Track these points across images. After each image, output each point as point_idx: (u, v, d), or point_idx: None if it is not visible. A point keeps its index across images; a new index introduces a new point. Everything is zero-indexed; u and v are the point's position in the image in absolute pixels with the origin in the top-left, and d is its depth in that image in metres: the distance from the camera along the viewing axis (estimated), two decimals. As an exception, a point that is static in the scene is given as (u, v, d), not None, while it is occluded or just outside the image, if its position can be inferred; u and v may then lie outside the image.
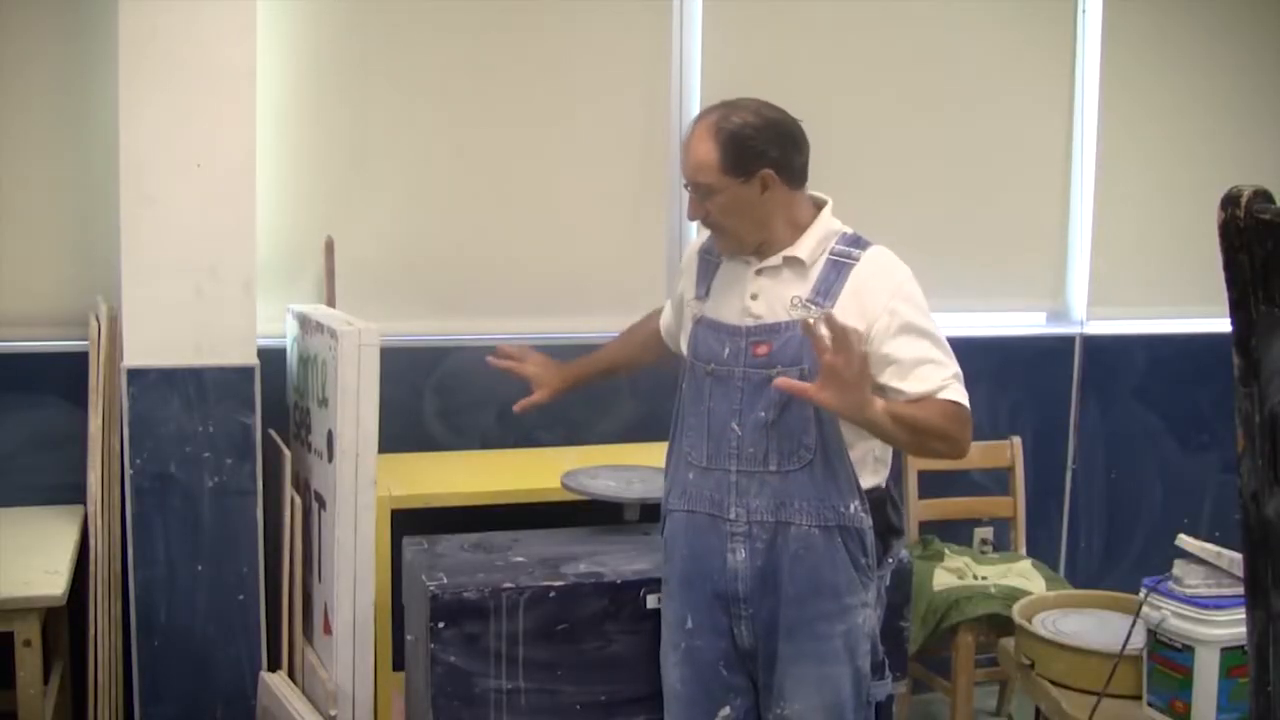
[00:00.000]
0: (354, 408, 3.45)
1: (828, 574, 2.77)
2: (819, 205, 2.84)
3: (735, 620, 2.84)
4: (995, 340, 4.91)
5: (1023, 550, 4.67)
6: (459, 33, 4.26)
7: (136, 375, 3.59)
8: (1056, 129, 4.96)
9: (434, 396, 4.24)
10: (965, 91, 4.81)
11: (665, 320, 3.19)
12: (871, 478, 2.81)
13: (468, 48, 4.27)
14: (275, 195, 4.04)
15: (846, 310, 2.65)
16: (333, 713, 3.52)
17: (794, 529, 2.75)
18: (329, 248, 4.08)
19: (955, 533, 4.75)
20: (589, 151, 4.41)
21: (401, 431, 3.93)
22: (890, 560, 2.90)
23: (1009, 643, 3.84)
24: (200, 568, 3.68)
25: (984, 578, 4.32)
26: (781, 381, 2.59)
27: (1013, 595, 4.10)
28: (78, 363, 3.76)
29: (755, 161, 2.70)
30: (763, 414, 2.74)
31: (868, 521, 2.78)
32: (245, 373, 3.65)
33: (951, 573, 4.34)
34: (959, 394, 2.71)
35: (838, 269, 2.74)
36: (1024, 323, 5.07)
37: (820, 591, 2.77)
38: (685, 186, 2.80)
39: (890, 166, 4.70)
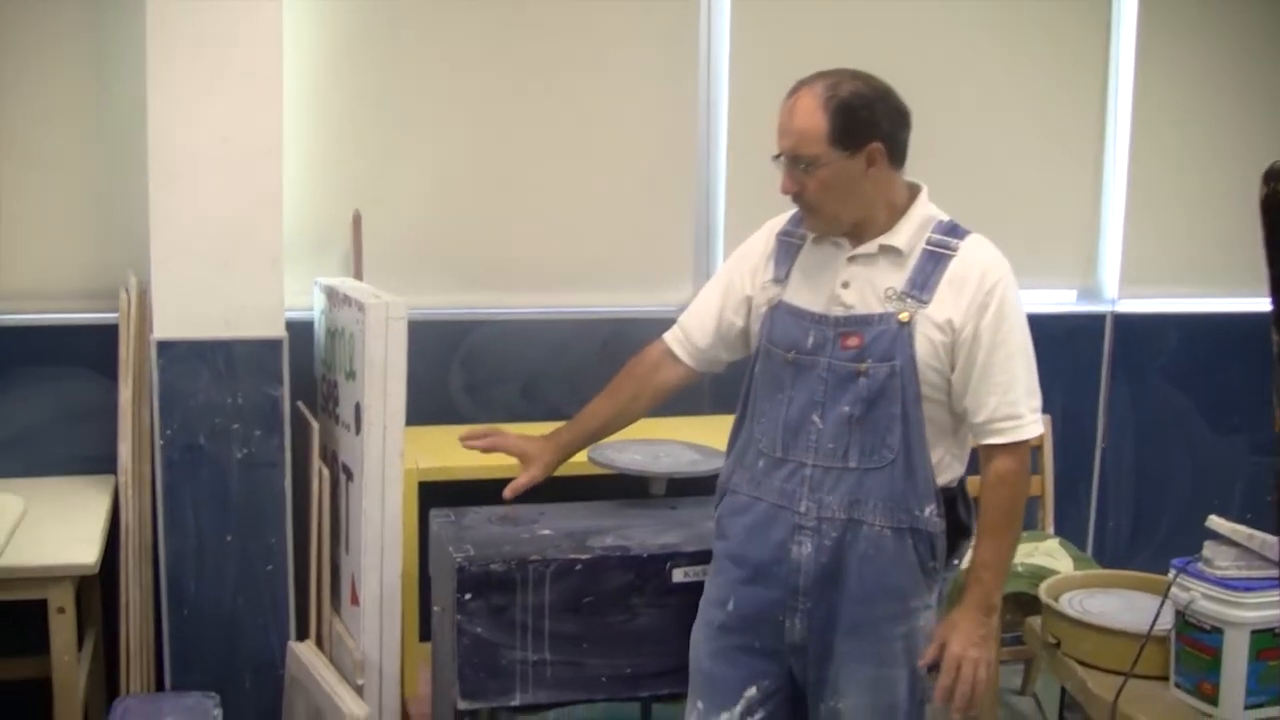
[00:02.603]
0: (381, 381, 3.46)
1: (895, 576, 2.68)
2: (913, 190, 2.74)
3: (789, 612, 2.74)
4: (1029, 318, 4.89)
5: (1050, 529, 4.65)
6: (488, 8, 4.26)
7: (166, 347, 3.61)
8: (1091, 104, 4.94)
9: (461, 370, 4.25)
10: (998, 68, 4.79)
11: (689, 340, 2.98)
12: (946, 475, 2.72)
13: (497, 23, 4.28)
14: (303, 169, 4.06)
15: (943, 303, 2.61)
16: (360, 682, 3.54)
17: (865, 528, 2.66)
18: (356, 221, 4.09)
19: (983, 511, 4.74)
20: (617, 127, 4.41)
21: (429, 404, 3.94)
22: (956, 562, 2.83)
23: (1035, 622, 3.83)
24: (229, 538, 3.70)
25: (1011, 556, 4.31)
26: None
27: (1039, 574, 4.09)
28: (108, 335, 3.79)
29: (866, 134, 2.59)
30: (847, 409, 2.64)
31: (941, 525, 2.69)
32: (273, 345, 3.66)
33: (978, 551, 4.33)
34: (1028, 431, 2.65)
35: (935, 260, 2.65)
36: (1054, 300, 5.04)
37: (886, 593, 2.68)
38: (775, 158, 2.67)
39: (919, 141, 4.67)
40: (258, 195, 3.62)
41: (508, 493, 3.06)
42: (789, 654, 2.79)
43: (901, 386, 2.61)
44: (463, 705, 3.10)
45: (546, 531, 3.19)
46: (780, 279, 2.78)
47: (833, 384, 2.66)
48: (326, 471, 3.74)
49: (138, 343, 3.69)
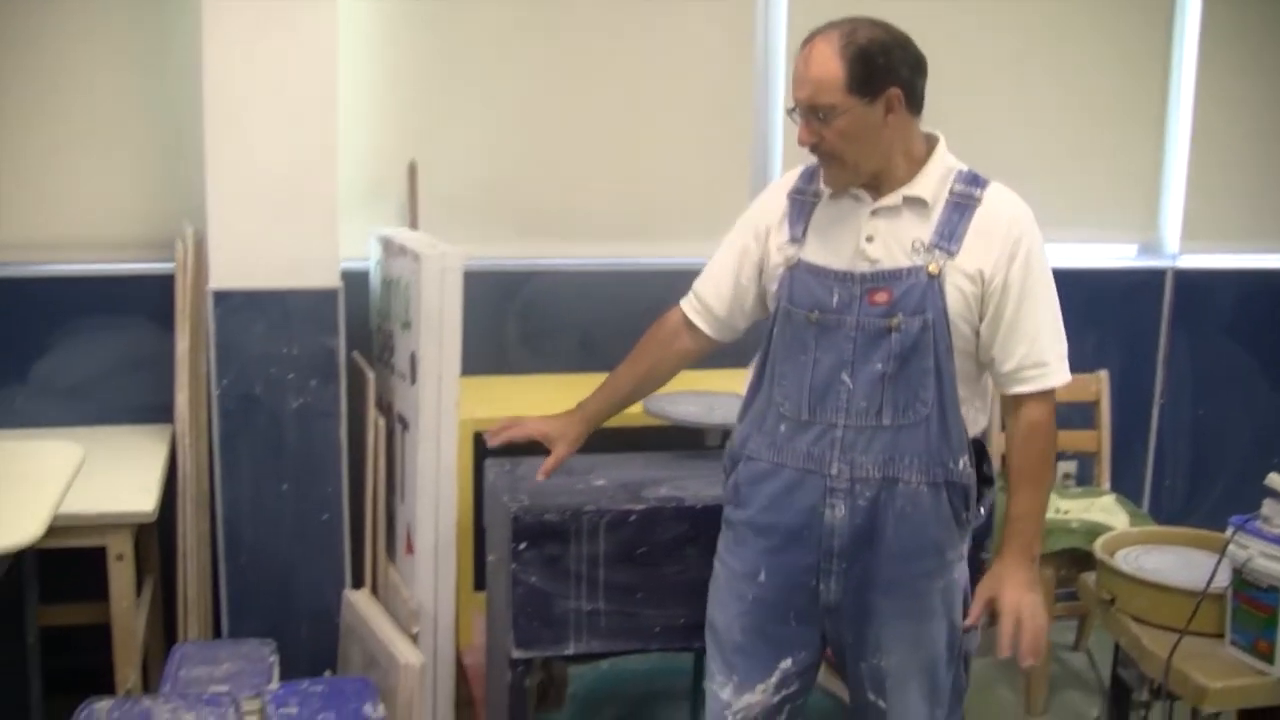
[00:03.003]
0: (437, 330, 3.46)
1: (932, 532, 2.65)
2: (931, 141, 2.68)
3: (824, 576, 2.70)
4: (1084, 272, 4.86)
5: (1106, 485, 4.63)
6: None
7: (222, 298, 3.63)
8: (1154, 56, 4.88)
9: (517, 320, 4.25)
10: (1061, 20, 4.73)
11: (709, 314, 2.92)
12: (974, 427, 2.69)
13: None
14: (359, 119, 4.06)
15: (972, 254, 2.56)
16: (415, 631, 3.57)
17: (901, 486, 2.62)
18: (412, 171, 4.09)
19: (1038, 465, 4.71)
20: (675, 76, 4.38)
21: (484, 355, 3.95)
22: (982, 511, 2.77)
23: (1089, 578, 3.81)
24: (285, 487, 3.73)
25: (1066, 512, 4.29)
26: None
27: (1095, 530, 4.07)
28: (165, 285, 3.82)
29: (884, 80, 2.52)
30: (879, 366, 2.58)
31: (973, 477, 2.66)
32: (329, 295, 3.67)
33: (1034, 506, 4.31)
34: (1056, 378, 2.65)
35: (960, 210, 2.59)
36: (1114, 255, 4.99)
37: (924, 549, 2.65)
38: (790, 112, 2.62)
39: (980, 94, 4.64)
40: (314, 145, 3.62)
41: (540, 475, 3.04)
42: (823, 616, 2.76)
43: (934, 340, 2.56)
44: (517, 654, 3.11)
45: (601, 482, 3.19)
46: (797, 238, 2.71)
47: (862, 342, 2.60)
48: (382, 421, 3.75)
49: (194, 293, 3.71)
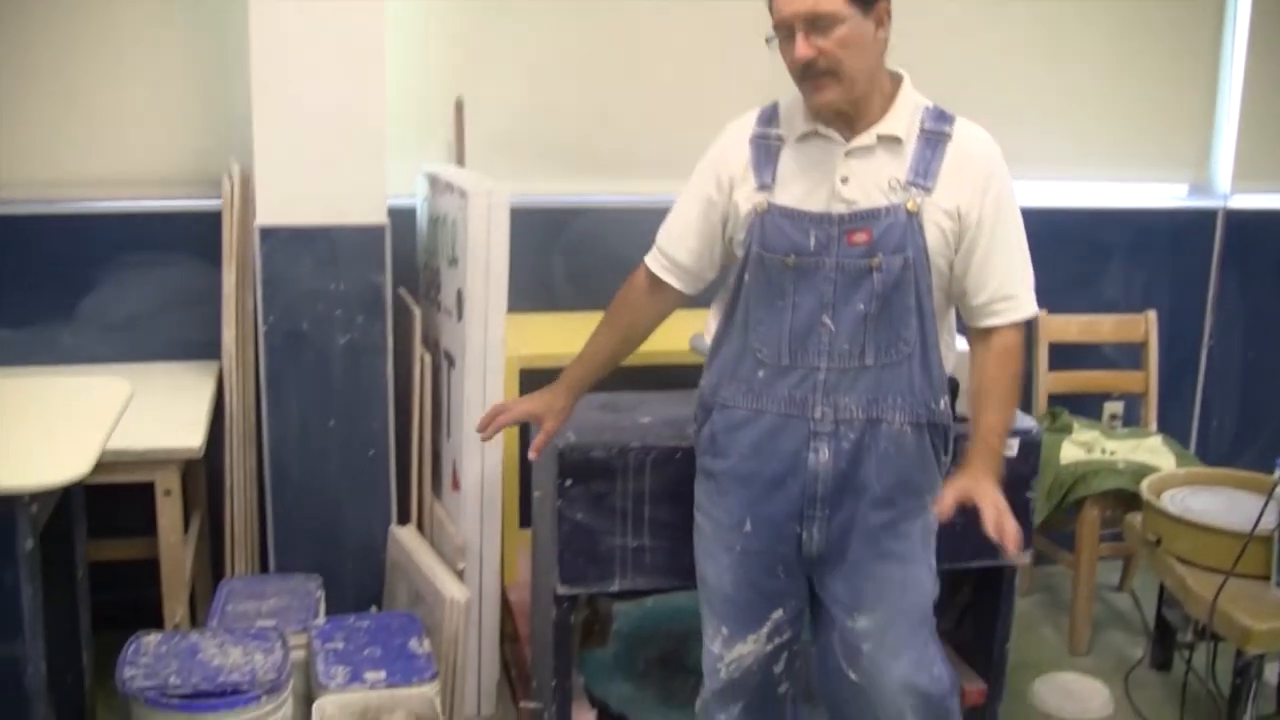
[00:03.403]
0: (483, 267, 3.47)
1: (913, 473, 2.66)
2: (896, 79, 2.65)
3: (806, 523, 2.70)
4: (1133, 212, 4.80)
5: (1153, 426, 4.60)
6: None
7: (269, 234, 3.63)
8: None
9: (563, 257, 4.24)
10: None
11: (676, 267, 2.83)
12: (947, 365, 2.70)
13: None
14: (405, 55, 4.04)
15: (948, 190, 2.55)
16: (460, 566, 3.59)
17: (885, 426, 2.62)
18: (459, 108, 4.07)
19: (1084, 406, 4.69)
20: (725, 10, 4.33)
21: (530, 291, 3.94)
22: (950, 453, 2.77)
23: (1135, 518, 3.81)
24: (332, 423, 3.74)
25: (1112, 452, 4.27)
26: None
27: (1141, 471, 4.06)
28: (212, 222, 3.82)
29: None
30: (861, 306, 2.57)
31: (950, 417, 2.68)
32: (375, 232, 3.67)
33: (1079, 446, 4.29)
34: (1027, 309, 2.64)
35: (933, 146, 2.58)
36: (1164, 195, 4.94)
37: (906, 491, 2.66)
38: (769, 40, 2.58)
39: (1030, 30, 4.58)
40: (361, 82, 3.61)
41: (532, 454, 2.94)
42: (808, 566, 2.76)
43: (915, 278, 2.56)
44: (562, 590, 3.13)
45: (647, 419, 3.20)
46: (766, 184, 2.65)
47: (843, 283, 2.57)
48: (428, 358, 3.76)
49: (241, 229, 3.72)
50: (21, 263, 3.94)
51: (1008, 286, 2.61)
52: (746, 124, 2.74)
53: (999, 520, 2.47)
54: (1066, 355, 4.59)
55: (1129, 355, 4.68)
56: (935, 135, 2.58)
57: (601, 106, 4.28)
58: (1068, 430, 4.39)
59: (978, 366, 2.68)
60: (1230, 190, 4.90)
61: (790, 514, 2.69)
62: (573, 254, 4.28)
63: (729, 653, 2.82)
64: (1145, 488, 3.75)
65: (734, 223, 2.71)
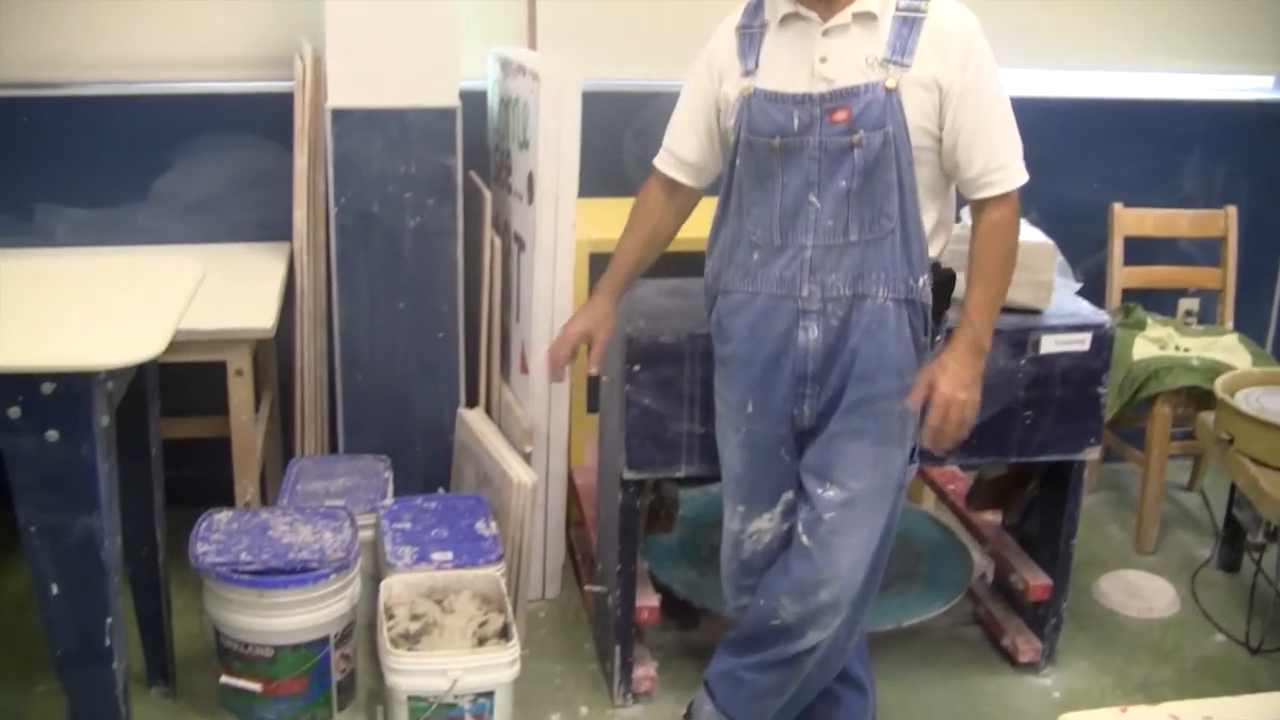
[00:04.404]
0: (555, 151, 3.45)
1: (894, 350, 2.67)
2: None
3: (799, 400, 2.75)
4: (1214, 104, 4.68)
5: (1229, 324, 4.54)
6: None
7: (340, 116, 3.62)
8: None
9: (634, 141, 4.20)
10: None
11: (682, 164, 2.89)
12: (936, 244, 2.71)
13: None
14: (479, -65, 4.01)
15: (925, 63, 2.55)
16: (528, 449, 3.60)
17: (869, 302, 2.64)
18: (532, -10, 4.04)
19: (1159, 302, 4.63)
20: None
21: (601, 175, 3.91)
22: (940, 338, 2.79)
23: (1208, 417, 3.77)
24: (401, 305, 3.75)
25: (1186, 349, 4.22)
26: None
27: (1215, 369, 4.02)
28: (284, 103, 3.81)
29: None
30: (844, 183, 2.60)
31: (930, 297, 2.69)
32: (447, 114, 3.65)
33: (1153, 342, 4.25)
34: (1017, 178, 2.64)
35: (909, 24, 2.58)
36: (1249, 86, 4.82)
37: (885, 368, 2.68)
38: None
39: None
40: (432, -37, 3.58)
41: (591, 370, 2.97)
42: (803, 441, 2.80)
43: (896, 153, 2.57)
44: (628, 475, 3.14)
45: (717, 305, 3.18)
46: (750, 70, 2.69)
47: (826, 162, 2.61)
48: (498, 241, 3.76)
49: (313, 111, 3.71)
50: (97, 144, 3.96)
51: (996, 159, 2.62)
52: (734, 17, 2.78)
53: (939, 427, 2.60)
54: (1142, 250, 4.53)
55: (1206, 251, 4.61)
56: (911, 12, 2.59)
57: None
58: (1141, 326, 4.34)
59: (972, 243, 2.72)
60: (1318, 83, 4.79)
61: (786, 394, 2.76)
62: (644, 138, 4.21)
63: (746, 529, 2.90)
64: (1219, 386, 3.72)
65: (725, 112, 2.76)
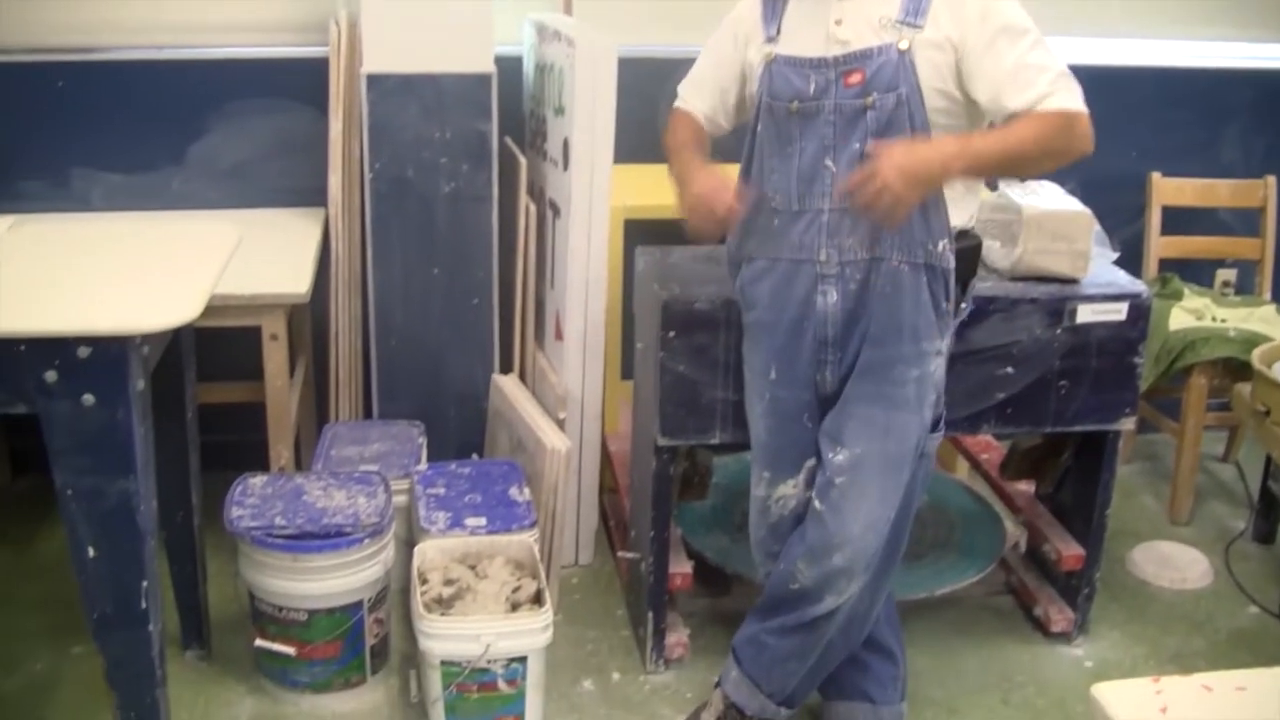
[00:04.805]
0: (590, 117, 3.45)
1: (909, 314, 2.66)
2: None
3: (821, 366, 2.75)
4: (1256, 73, 4.64)
5: (1267, 295, 4.51)
6: None
7: (376, 81, 3.62)
8: None
9: (669, 108, 4.18)
10: None
11: (697, 110, 2.93)
12: (962, 211, 2.68)
13: None
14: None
15: (938, 23, 2.53)
16: (561, 415, 3.61)
17: (885, 265, 2.64)
18: (561, -46, 4.03)
19: (1196, 272, 4.60)
20: None
21: (636, 142, 3.88)
22: (965, 305, 2.78)
23: (1244, 388, 3.76)
24: (436, 271, 3.75)
25: (1223, 320, 4.19)
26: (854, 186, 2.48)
27: (1253, 340, 3.99)
28: (319, 69, 3.81)
29: None
30: (857, 146, 2.59)
31: (952, 262, 2.66)
32: (482, 80, 3.64)
33: (1189, 313, 4.23)
34: (1065, 100, 2.52)
35: None
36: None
37: (900, 332, 2.67)
38: None
39: None
40: (468, -73, 3.57)
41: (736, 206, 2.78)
42: (825, 407, 2.80)
43: (909, 115, 2.56)
44: (662, 441, 3.14)
45: (751, 272, 3.17)
46: (772, 37, 2.70)
47: (840, 125, 2.61)
48: (533, 207, 3.75)
49: (348, 76, 3.71)
50: (133, 109, 3.97)
51: (1039, 90, 2.51)
52: None
53: (857, 187, 2.46)
54: (1180, 219, 4.50)
55: (1245, 221, 4.57)
56: None
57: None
58: (1178, 296, 4.31)
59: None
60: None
61: (809, 360, 2.76)
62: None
63: (772, 495, 2.90)
64: (1256, 357, 3.69)
65: (750, 78, 2.78)
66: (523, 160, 3.79)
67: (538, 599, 3.09)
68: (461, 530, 3.28)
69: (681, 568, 3.34)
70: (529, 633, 2.99)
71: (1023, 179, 2.72)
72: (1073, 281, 3.19)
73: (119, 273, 2.66)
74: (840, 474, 2.74)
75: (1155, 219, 4.46)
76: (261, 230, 3.74)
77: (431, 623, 2.97)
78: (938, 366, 2.74)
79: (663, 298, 3.03)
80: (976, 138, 2.59)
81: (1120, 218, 4.37)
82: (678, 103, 2.98)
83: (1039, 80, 2.51)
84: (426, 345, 3.82)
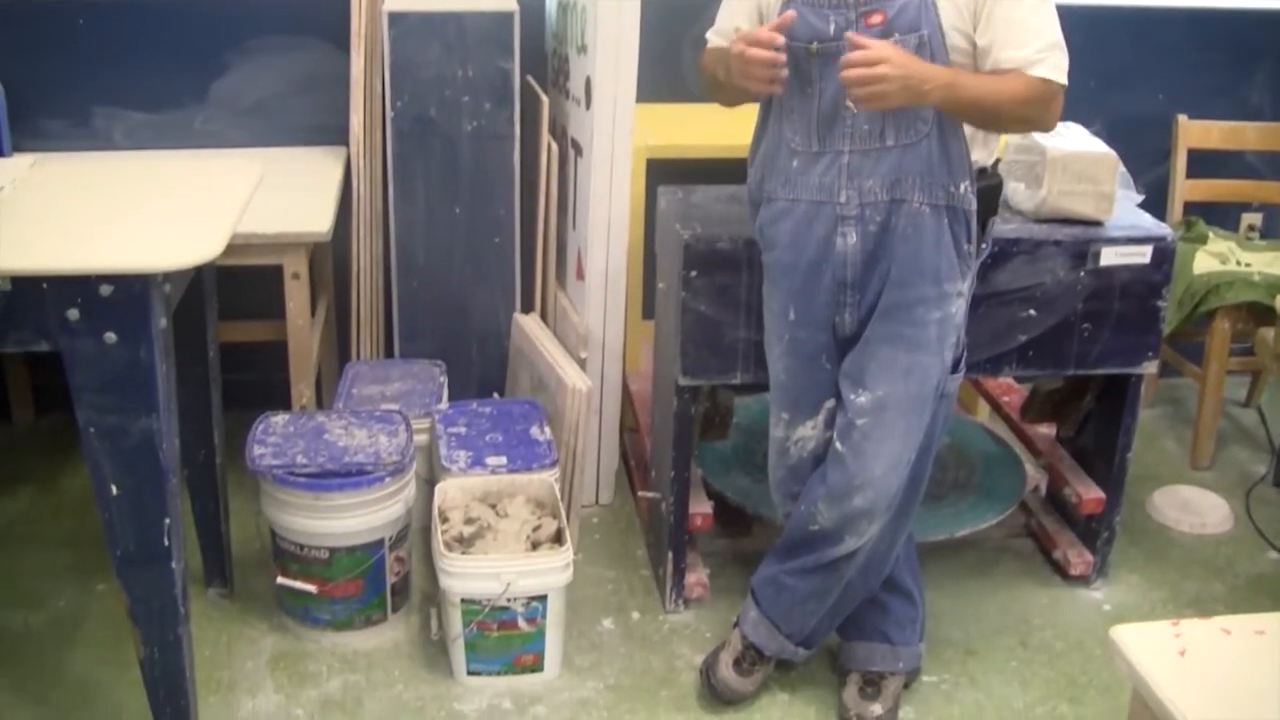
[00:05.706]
0: (613, 55, 3.43)
1: (930, 256, 2.66)
2: None
3: (840, 308, 2.75)
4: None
5: (1292, 239, 4.49)
6: None
7: (397, 19, 3.60)
8: None
9: (693, 48, 4.13)
10: None
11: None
12: (980, 151, 2.67)
13: None
14: None
15: None
16: (583, 355, 3.61)
17: (906, 207, 2.63)
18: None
19: (1221, 216, 4.56)
20: None
21: (659, 81, 3.88)
22: (985, 245, 2.78)
23: (1268, 333, 3.74)
24: (458, 210, 3.74)
25: (1248, 264, 4.17)
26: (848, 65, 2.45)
27: (1277, 284, 3.97)
28: (341, 6, 3.79)
29: None
30: None
31: (974, 204, 2.66)
32: (505, 18, 3.62)
33: (1214, 257, 4.20)
34: (1052, 70, 2.53)
35: None
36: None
37: (922, 274, 2.67)
38: None
39: None
40: None
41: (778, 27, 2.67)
42: (845, 349, 2.80)
43: (931, 56, 2.53)
44: (684, 381, 3.15)
45: (774, 212, 3.16)
46: None
47: None
48: (555, 146, 3.74)
49: (370, 14, 3.69)
50: (154, 47, 3.96)
51: (1027, 55, 2.52)
52: None
53: (854, 61, 2.44)
54: (1206, 163, 4.46)
55: (1272, 165, 4.54)
56: None
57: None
58: (1203, 240, 4.29)
59: None
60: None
61: (827, 301, 2.76)
62: (702, 44, 4.18)
63: (791, 436, 2.90)
64: (1280, 302, 3.68)
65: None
66: (545, 99, 3.77)
67: (558, 538, 3.10)
68: (482, 469, 3.29)
69: (702, 508, 3.35)
70: (549, 571, 3.00)
71: (985, 130, 2.70)
72: (1097, 224, 3.17)
73: (141, 211, 2.66)
74: (861, 416, 2.74)
75: (1181, 162, 4.43)
76: (283, 169, 3.73)
77: (452, 561, 2.98)
78: (959, 308, 2.74)
79: (684, 237, 3.02)
80: (967, 76, 2.56)
81: (1145, 160, 4.34)
82: (710, 34, 2.92)
83: (1034, 41, 2.52)
84: (448, 284, 3.82)
